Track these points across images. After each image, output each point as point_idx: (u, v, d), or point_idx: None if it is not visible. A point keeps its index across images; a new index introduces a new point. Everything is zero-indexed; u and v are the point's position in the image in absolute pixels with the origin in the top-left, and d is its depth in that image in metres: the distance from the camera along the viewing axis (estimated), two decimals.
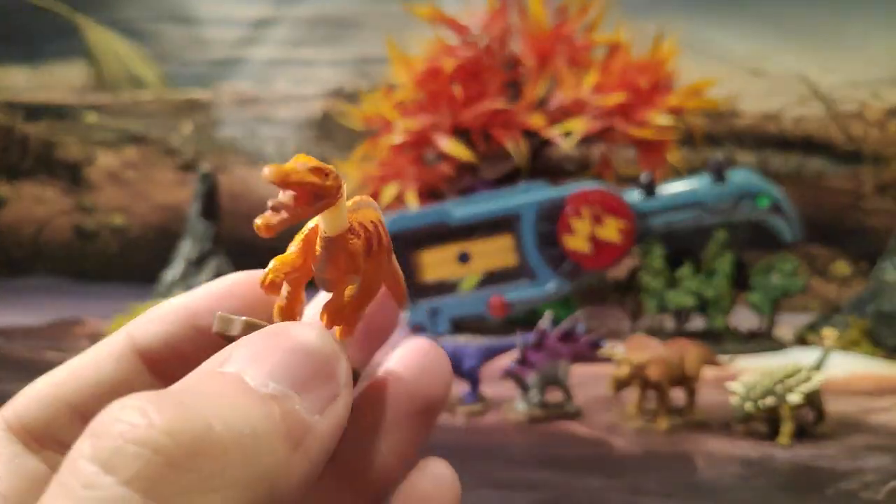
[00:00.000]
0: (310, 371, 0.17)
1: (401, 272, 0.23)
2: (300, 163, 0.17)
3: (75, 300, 1.70)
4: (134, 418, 0.14)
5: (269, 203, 0.17)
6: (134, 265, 1.94)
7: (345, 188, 0.19)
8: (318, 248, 0.19)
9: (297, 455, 0.15)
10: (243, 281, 0.22)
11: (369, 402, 0.22)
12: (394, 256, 0.22)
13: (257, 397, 0.16)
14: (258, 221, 0.17)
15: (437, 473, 0.21)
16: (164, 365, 0.21)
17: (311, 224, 0.20)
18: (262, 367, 0.17)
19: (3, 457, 0.19)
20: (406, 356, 0.22)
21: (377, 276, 0.21)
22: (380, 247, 0.20)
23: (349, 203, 0.20)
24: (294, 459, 0.15)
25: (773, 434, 0.78)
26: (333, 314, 0.20)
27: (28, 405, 0.20)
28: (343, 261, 0.19)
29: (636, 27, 1.62)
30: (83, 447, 0.13)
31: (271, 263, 0.20)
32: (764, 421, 0.78)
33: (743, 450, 0.76)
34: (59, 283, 2.01)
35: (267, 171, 0.17)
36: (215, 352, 0.18)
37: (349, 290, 0.20)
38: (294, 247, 0.20)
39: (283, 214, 0.17)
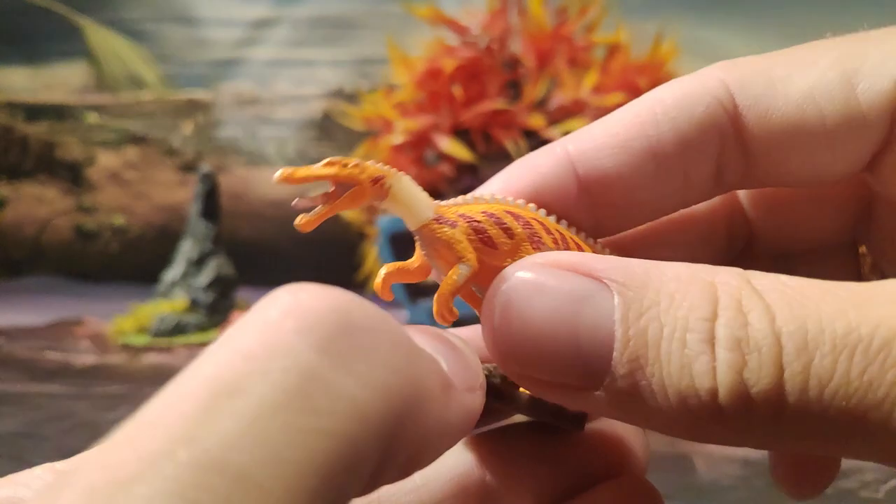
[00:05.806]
0: (461, 360, 0.17)
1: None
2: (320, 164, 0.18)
3: (76, 300, 1.69)
4: None
5: (297, 202, 0.18)
6: (134, 265, 1.94)
7: (399, 179, 0.20)
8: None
9: (445, 397, 0.15)
10: None
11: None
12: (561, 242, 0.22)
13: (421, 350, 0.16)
14: (298, 221, 0.18)
15: None
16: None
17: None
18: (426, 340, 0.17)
19: None
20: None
21: (493, 265, 0.20)
22: (507, 237, 0.20)
23: (458, 198, 0.21)
24: (444, 398, 0.15)
25: None
26: (436, 300, 0.20)
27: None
28: (442, 250, 0.20)
29: (636, 28, 1.62)
30: None
31: (382, 270, 0.21)
32: None
33: (743, 449, 0.76)
34: (59, 283, 2.01)
35: (276, 174, 0.18)
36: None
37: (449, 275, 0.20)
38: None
39: (318, 209, 0.18)
